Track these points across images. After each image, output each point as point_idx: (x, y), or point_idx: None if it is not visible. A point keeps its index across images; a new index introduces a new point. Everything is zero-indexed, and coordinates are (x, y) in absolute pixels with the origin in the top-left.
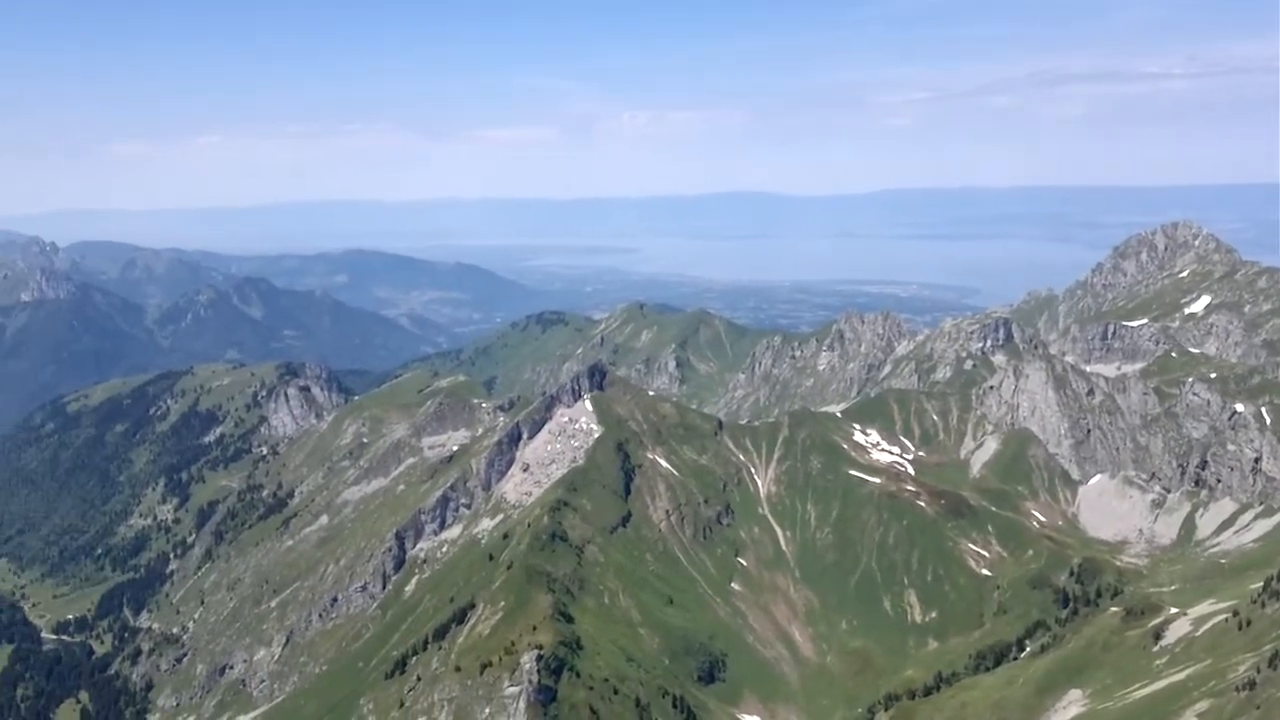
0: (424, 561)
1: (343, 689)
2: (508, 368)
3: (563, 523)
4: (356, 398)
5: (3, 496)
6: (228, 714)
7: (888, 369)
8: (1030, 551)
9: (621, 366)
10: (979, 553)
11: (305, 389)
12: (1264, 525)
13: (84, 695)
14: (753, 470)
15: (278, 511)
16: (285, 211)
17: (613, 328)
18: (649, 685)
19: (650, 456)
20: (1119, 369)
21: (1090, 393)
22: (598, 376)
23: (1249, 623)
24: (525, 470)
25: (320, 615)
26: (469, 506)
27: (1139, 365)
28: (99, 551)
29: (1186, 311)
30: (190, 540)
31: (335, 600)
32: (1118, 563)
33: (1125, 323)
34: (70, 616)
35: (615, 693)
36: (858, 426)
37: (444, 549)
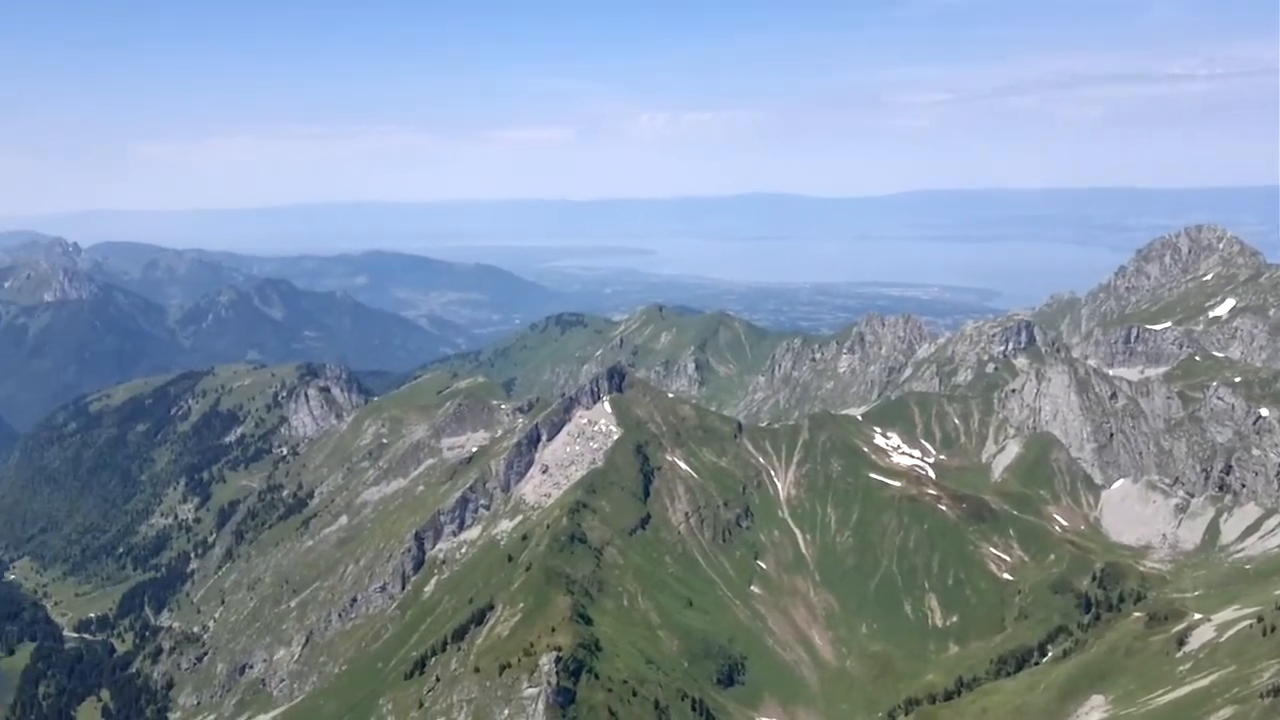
0: (443, 562)
1: (362, 689)
2: (527, 369)
3: (582, 524)
4: (376, 398)
5: (25, 495)
6: (248, 713)
7: (908, 372)
8: (1052, 556)
9: (641, 368)
10: (1000, 557)
11: (325, 390)
12: None
13: (105, 693)
14: (772, 473)
15: (298, 511)
16: (306, 212)
17: (632, 329)
18: (668, 688)
19: (669, 459)
20: (1142, 373)
21: (1113, 396)
22: (617, 378)
23: (1273, 629)
24: (544, 472)
25: (340, 615)
26: (488, 508)
27: (1162, 369)
28: (120, 550)
29: (1210, 315)
30: (211, 540)
31: (355, 600)
32: (1141, 568)
33: (1149, 326)
34: (92, 615)
35: (634, 695)
36: (878, 429)
37: (463, 550)
